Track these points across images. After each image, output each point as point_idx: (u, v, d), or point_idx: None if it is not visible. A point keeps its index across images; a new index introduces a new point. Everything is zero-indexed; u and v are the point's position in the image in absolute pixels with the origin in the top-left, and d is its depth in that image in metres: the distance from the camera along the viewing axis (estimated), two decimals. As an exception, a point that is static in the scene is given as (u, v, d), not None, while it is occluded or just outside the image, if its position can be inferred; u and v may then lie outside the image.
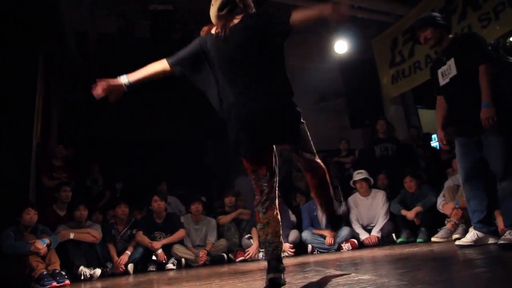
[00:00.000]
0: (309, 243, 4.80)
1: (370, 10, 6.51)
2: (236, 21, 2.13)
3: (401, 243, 4.58)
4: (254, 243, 4.66)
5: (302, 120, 2.19)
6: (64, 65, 7.06)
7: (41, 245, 3.74)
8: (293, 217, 5.23)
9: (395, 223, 4.87)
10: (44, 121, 5.68)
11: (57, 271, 3.74)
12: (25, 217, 3.87)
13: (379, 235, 4.85)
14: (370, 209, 5.06)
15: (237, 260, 4.65)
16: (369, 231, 4.96)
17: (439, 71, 3.03)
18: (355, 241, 4.83)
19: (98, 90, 2.15)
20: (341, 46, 6.94)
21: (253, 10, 2.25)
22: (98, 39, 6.77)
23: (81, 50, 6.75)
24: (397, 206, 4.79)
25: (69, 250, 4.13)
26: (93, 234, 4.33)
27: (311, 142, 2.32)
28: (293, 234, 4.82)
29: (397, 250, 3.66)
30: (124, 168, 6.89)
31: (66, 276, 3.76)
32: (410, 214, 4.61)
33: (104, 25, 6.58)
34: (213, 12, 2.24)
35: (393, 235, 4.85)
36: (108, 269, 4.35)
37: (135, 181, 6.80)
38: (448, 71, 2.93)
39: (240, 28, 2.10)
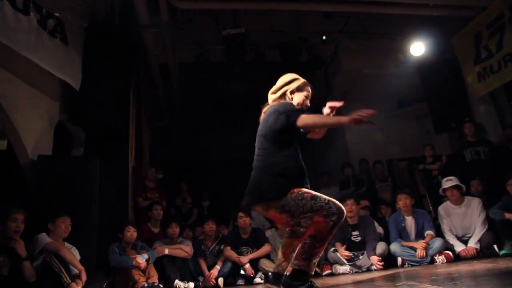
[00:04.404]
0: (399, 256, 4.56)
1: (447, 6, 6.14)
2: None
3: (505, 255, 4.12)
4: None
5: None
6: (150, 94, 7.74)
7: (142, 260, 4.10)
8: (380, 229, 5.04)
9: (496, 233, 4.43)
10: (137, 147, 6.25)
11: (155, 284, 4.06)
12: (126, 234, 4.29)
13: (477, 246, 4.45)
14: (464, 219, 4.69)
15: (324, 273, 4.59)
16: (465, 242, 4.58)
17: None
18: (450, 253, 4.49)
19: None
20: (418, 48, 6.64)
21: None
22: (179, 68, 7.32)
23: (164, 79, 7.37)
24: (499, 211, 4.36)
25: (165, 264, 4.43)
26: (185, 249, 4.60)
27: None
28: (381, 247, 4.63)
29: (501, 264, 3.31)
30: (209, 186, 7.27)
31: (164, 289, 4.07)
32: (517, 218, 4.15)
33: (183, 55, 7.11)
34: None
35: (495, 246, 4.41)
36: (200, 283, 4.56)
37: (220, 198, 7.13)
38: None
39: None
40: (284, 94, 2.71)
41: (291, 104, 2.63)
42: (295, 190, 2.41)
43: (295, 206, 2.38)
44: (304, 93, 2.73)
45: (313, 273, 2.43)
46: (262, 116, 2.71)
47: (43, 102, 4.71)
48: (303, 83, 2.74)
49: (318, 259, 2.45)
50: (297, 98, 2.70)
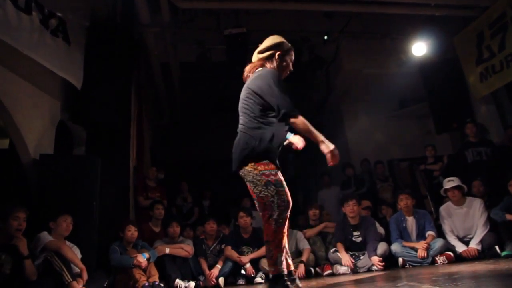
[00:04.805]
0: (400, 256, 4.56)
1: (449, 5, 6.14)
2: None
3: (507, 256, 4.11)
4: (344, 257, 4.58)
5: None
6: (151, 94, 7.75)
7: (142, 259, 4.11)
8: (381, 229, 5.03)
9: (498, 234, 4.42)
10: (138, 146, 6.25)
11: (156, 283, 4.07)
12: (127, 234, 4.30)
13: (479, 247, 4.44)
14: (466, 219, 4.68)
15: (325, 274, 4.59)
16: (466, 243, 4.57)
17: None
18: (451, 254, 4.48)
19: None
20: (420, 48, 6.63)
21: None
22: (180, 68, 7.33)
23: (165, 79, 7.38)
24: (500, 212, 4.36)
25: (166, 264, 4.44)
26: (186, 249, 4.61)
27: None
28: (382, 247, 4.62)
29: (502, 265, 3.30)
30: (210, 186, 7.28)
31: (164, 288, 4.08)
32: (518, 219, 4.14)
33: (184, 54, 7.11)
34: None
35: (497, 247, 4.40)
36: (200, 282, 4.57)
37: (221, 198, 7.13)
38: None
39: None
40: (271, 56, 2.72)
41: (280, 87, 2.52)
42: (265, 167, 2.40)
43: (252, 180, 2.40)
44: (290, 57, 2.79)
45: (285, 271, 2.45)
46: (247, 76, 2.75)
47: (45, 101, 4.72)
48: (290, 47, 2.80)
49: (280, 259, 2.40)
50: (283, 62, 2.75)
